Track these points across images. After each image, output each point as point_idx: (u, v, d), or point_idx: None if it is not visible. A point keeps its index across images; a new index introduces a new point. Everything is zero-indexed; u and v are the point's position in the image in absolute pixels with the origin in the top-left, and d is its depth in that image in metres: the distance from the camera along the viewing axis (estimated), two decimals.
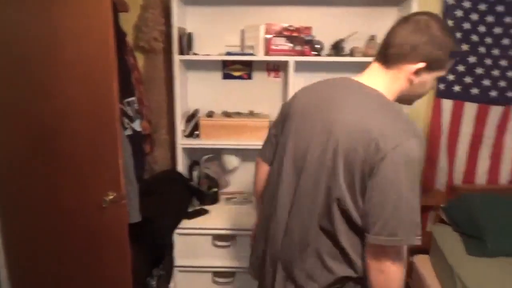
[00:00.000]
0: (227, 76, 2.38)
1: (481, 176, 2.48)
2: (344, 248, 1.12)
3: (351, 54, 2.18)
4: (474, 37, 2.29)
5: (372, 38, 2.20)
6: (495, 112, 2.38)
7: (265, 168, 1.40)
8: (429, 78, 1.15)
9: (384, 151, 1.01)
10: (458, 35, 2.29)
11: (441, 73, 1.15)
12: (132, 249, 1.69)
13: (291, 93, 2.16)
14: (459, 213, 2.29)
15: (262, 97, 2.39)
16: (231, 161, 2.32)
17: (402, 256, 1.08)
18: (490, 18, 2.29)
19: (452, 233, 2.31)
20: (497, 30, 2.29)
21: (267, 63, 2.34)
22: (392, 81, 1.15)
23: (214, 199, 2.30)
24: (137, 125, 1.97)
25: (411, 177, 1.03)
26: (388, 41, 1.15)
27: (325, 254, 1.14)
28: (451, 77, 2.34)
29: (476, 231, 2.12)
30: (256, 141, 2.20)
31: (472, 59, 2.31)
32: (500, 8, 2.28)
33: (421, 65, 1.10)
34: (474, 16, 2.29)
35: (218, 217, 2.14)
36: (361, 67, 2.28)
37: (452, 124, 2.40)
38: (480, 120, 2.39)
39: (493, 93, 2.35)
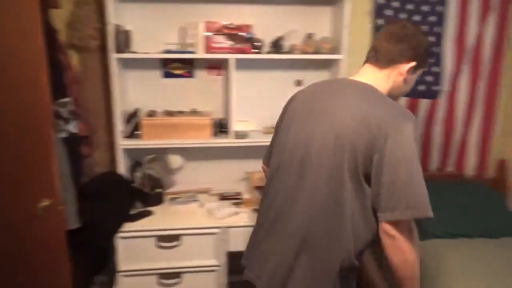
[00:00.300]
0: (168, 75, 2.34)
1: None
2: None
3: (290, 51, 2.24)
4: None
5: (309, 36, 2.28)
6: (423, 105, 2.56)
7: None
8: (414, 75, 1.31)
9: (386, 132, 1.11)
10: None
11: (424, 69, 1.33)
12: (71, 256, 1.61)
13: (233, 90, 2.18)
14: None
15: (205, 95, 2.38)
16: (175, 160, 2.29)
17: (414, 233, 1.17)
18: (417, 17, 2.45)
19: None
20: (423, 28, 2.47)
21: (208, 61, 2.34)
22: (385, 80, 1.28)
23: (158, 200, 2.26)
24: (72, 127, 1.88)
25: (414, 153, 1.12)
26: (376, 48, 1.30)
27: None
28: None
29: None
30: (199, 140, 2.19)
31: None
32: (425, 8, 2.46)
33: (413, 64, 1.26)
34: (403, 15, 2.45)
35: (162, 218, 2.11)
36: (300, 65, 2.39)
37: None
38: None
39: (422, 87, 2.53)
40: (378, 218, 1.15)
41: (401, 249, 1.14)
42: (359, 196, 1.18)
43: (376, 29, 2.41)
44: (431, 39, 2.47)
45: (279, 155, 1.34)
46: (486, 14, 2.48)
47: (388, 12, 2.42)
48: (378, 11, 2.41)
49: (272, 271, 1.29)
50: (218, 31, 2.16)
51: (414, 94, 2.53)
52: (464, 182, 2.67)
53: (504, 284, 1.83)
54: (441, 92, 2.55)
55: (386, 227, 1.14)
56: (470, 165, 2.72)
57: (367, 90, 1.25)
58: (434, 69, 2.51)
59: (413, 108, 2.55)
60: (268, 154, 1.55)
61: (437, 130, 2.63)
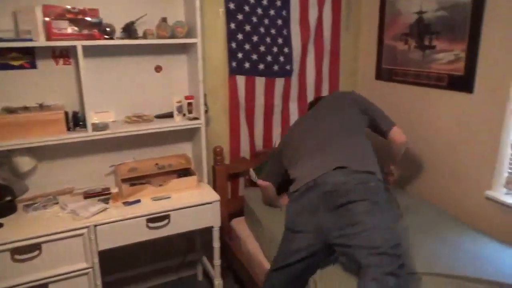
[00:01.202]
0: (3, 67, 2.05)
1: (276, 139, 2.88)
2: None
3: (144, 36, 2.17)
4: (254, 19, 2.59)
5: (163, 20, 2.24)
6: (279, 83, 2.77)
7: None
8: None
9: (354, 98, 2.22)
10: (248, 27, 2.56)
11: None
12: None
13: (84, 80, 2.02)
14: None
15: (53, 87, 2.16)
16: (24, 162, 2.04)
17: None
18: (264, 1, 2.60)
19: (258, 192, 2.64)
20: (271, 12, 2.64)
21: (53, 49, 2.11)
22: None
23: (9, 209, 1.99)
24: None
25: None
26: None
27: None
28: (240, 55, 2.59)
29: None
30: (51, 137, 1.99)
31: (255, 38, 2.61)
32: (272, 12, 2.64)
33: None
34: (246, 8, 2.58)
35: (16, 229, 1.87)
36: (157, 49, 2.34)
37: (247, 97, 2.69)
38: (269, 92, 2.75)
39: (275, 67, 2.73)
40: (386, 129, 2.14)
41: (403, 134, 2.14)
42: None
43: (228, 12, 2.50)
44: (279, 22, 2.66)
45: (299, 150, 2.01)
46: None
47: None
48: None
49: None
50: (60, 16, 1.97)
51: (270, 74, 2.71)
52: None
53: None
54: (293, 70, 2.79)
55: (395, 128, 2.14)
56: None
57: None
58: (285, 50, 2.73)
59: (271, 87, 2.74)
60: (271, 174, 2.25)
61: (293, 106, 2.89)
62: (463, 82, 2.26)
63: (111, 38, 2.10)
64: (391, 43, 2.73)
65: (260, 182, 2.27)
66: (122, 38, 2.15)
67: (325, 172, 1.75)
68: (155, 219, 2.08)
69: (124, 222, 2.01)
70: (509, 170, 2.14)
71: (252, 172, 2.68)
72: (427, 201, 2.45)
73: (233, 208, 2.76)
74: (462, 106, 2.31)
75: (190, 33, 2.26)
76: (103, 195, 2.22)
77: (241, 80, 2.64)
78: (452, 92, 2.35)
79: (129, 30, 2.15)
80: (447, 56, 2.34)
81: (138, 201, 2.16)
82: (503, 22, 2.03)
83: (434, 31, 2.40)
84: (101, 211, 2.03)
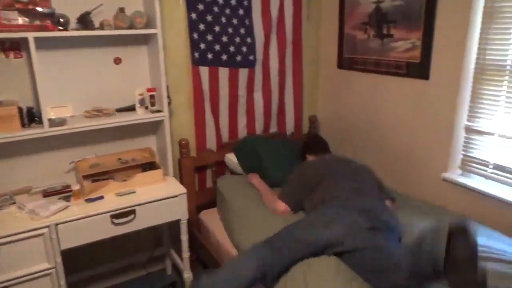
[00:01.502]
0: None
1: (242, 130, 2.89)
2: None
3: (101, 27, 2.10)
4: (216, 9, 2.56)
5: (121, 10, 2.16)
6: (242, 74, 2.76)
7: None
8: None
9: None
10: (210, 17, 2.52)
11: None
12: None
13: (38, 74, 1.93)
14: (247, 154, 2.62)
15: (4, 81, 2.05)
16: None
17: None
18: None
19: (231, 180, 2.65)
20: (232, 2, 2.62)
21: (2, 41, 2.00)
22: None
23: None
24: None
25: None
26: None
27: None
28: (203, 46, 2.56)
29: (259, 165, 2.50)
30: (3, 134, 1.89)
31: (217, 28, 2.59)
32: (233, 2, 2.62)
33: None
34: None
35: None
36: (116, 41, 2.27)
37: (211, 88, 2.67)
38: (233, 82, 2.74)
39: (239, 58, 2.71)
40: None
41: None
42: None
43: (188, 2, 2.45)
44: (240, 12, 2.65)
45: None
46: None
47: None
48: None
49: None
50: (8, 6, 1.86)
51: (233, 64, 2.70)
52: (286, 138, 3.04)
53: None
54: (256, 61, 2.79)
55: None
56: (289, 124, 3.10)
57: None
58: (248, 40, 2.72)
59: (234, 77, 2.73)
60: (297, 201, 2.19)
61: (258, 97, 2.90)
62: (419, 70, 2.35)
63: (66, 30, 2.02)
64: (351, 32, 2.79)
65: (282, 207, 2.20)
66: (77, 30, 2.06)
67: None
68: (119, 215, 2.03)
69: (87, 220, 1.96)
70: (463, 152, 2.25)
71: (229, 159, 2.69)
72: (387, 185, 2.54)
73: (201, 201, 2.75)
74: (419, 93, 2.39)
75: (149, 24, 2.20)
76: (63, 192, 2.15)
77: (204, 71, 2.61)
78: (410, 79, 2.44)
79: (84, 21, 2.07)
80: (404, 45, 2.41)
81: (101, 197, 2.11)
82: (455, 11, 2.12)
83: (391, 20, 2.47)
84: (62, 209, 1.97)
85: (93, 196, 2.10)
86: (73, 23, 2.07)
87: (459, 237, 1.32)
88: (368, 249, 1.64)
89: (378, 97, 2.68)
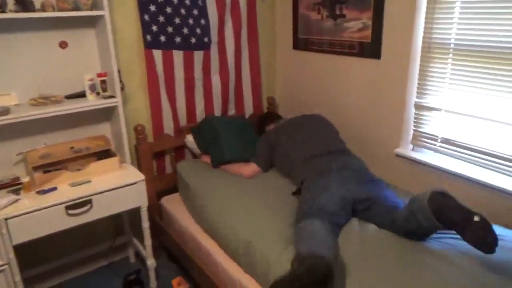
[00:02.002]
0: None
1: (200, 114, 2.85)
2: None
3: (42, 9, 1.97)
4: None
5: None
6: (198, 56, 2.71)
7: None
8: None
9: None
10: None
11: None
12: None
13: None
14: (205, 132, 2.60)
15: None
16: None
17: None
18: None
19: (191, 164, 2.63)
20: None
21: None
22: None
23: None
24: None
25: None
26: None
27: None
28: (155, 28, 2.48)
29: (218, 144, 2.50)
30: None
31: (169, 10, 2.51)
32: None
33: None
34: None
35: None
36: (57, 23, 2.14)
37: (166, 72, 2.60)
38: (188, 65, 2.69)
39: (193, 40, 2.65)
40: None
41: None
42: None
43: None
44: None
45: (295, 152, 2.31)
46: None
47: None
48: None
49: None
50: None
51: (187, 47, 2.64)
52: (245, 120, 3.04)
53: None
54: (211, 43, 2.74)
55: None
56: (248, 106, 3.10)
57: None
58: (201, 21, 2.66)
59: (189, 60, 2.67)
60: (265, 159, 2.47)
61: (215, 79, 2.86)
62: (371, 49, 2.41)
63: (3, 12, 1.88)
64: (305, 12, 2.80)
65: (252, 167, 2.44)
66: (15, 11, 1.93)
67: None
68: (75, 206, 1.96)
69: (40, 212, 1.88)
70: (414, 128, 2.36)
71: (188, 141, 2.67)
72: None
73: (161, 187, 2.71)
74: (371, 72, 2.46)
75: (96, 5, 2.10)
76: (12, 185, 2.04)
77: (157, 54, 2.53)
78: (362, 59, 2.50)
79: (23, 2, 1.93)
80: (356, 25, 2.46)
81: (54, 188, 2.02)
82: None
83: (343, 0, 2.50)
84: (12, 203, 1.87)
85: (45, 187, 2.02)
86: (11, 5, 1.93)
87: (442, 200, 1.49)
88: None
89: (333, 77, 2.73)
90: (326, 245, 1.55)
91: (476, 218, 1.40)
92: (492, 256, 1.49)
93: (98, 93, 2.22)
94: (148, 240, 2.32)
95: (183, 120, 2.79)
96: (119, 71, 2.22)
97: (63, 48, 2.19)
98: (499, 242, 1.44)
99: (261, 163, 2.46)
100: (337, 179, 1.99)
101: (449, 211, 1.46)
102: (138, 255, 2.71)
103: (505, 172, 1.96)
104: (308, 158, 2.23)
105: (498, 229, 1.73)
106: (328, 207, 1.83)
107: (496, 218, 1.99)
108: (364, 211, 1.92)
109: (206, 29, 2.69)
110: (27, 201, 1.90)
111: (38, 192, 1.98)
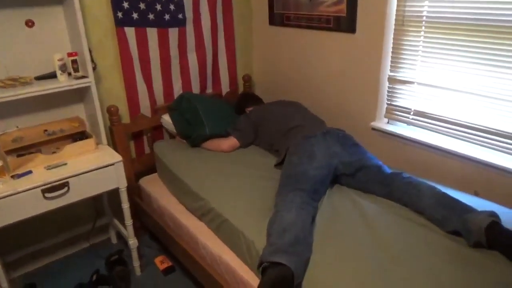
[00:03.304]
0: None
1: (178, 93, 2.81)
2: None
3: None
4: None
5: None
6: (173, 34, 2.66)
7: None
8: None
9: None
10: None
11: None
12: None
13: None
14: (183, 110, 2.57)
15: None
16: None
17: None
18: None
19: (168, 144, 2.63)
20: None
21: None
22: None
23: None
24: None
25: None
26: None
27: None
28: (126, 4, 2.40)
29: (197, 120, 2.49)
30: None
31: None
32: None
33: None
34: None
35: None
36: (19, 1, 2.05)
37: (140, 50, 2.54)
38: (163, 43, 2.63)
39: (167, 17, 2.59)
40: None
41: None
42: None
43: None
44: None
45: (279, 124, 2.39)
46: None
47: None
48: None
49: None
50: None
51: (161, 24, 2.58)
52: (222, 97, 3.03)
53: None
54: (186, 19, 2.68)
55: None
56: (225, 84, 3.08)
57: None
58: None
59: (164, 38, 2.62)
60: (245, 135, 2.50)
61: (192, 57, 2.81)
62: (346, 23, 2.41)
63: None
64: None
65: (232, 141, 2.47)
66: None
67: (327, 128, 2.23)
68: (52, 189, 1.94)
69: (16, 197, 1.85)
70: (388, 102, 2.40)
71: (165, 120, 2.65)
72: None
73: (139, 168, 2.70)
74: (347, 46, 2.47)
75: None
76: None
77: (130, 32, 2.47)
78: (338, 34, 2.49)
79: None
80: None
81: (30, 172, 1.99)
82: None
83: None
84: None
85: (20, 171, 1.98)
86: None
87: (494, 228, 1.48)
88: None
89: (309, 52, 2.73)
90: (294, 245, 1.52)
91: None
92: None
93: (69, 74, 2.16)
94: (128, 221, 2.32)
95: (160, 100, 2.75)
96: (90, 50, 2.16)
97: (30, 27, 2.11)
98: None
99: (241, 138, 2.48)
100: (322, 142, 2.06)
101: (500, 236, 1.47)
102: (120, 236, 2.71)
103: (475, 141, 2.03)
104: (293, 128, 2.29)
105: (466, 197, 1.81)
106: (311, 173, 1.88)
107: (466, 185, 2.08)
108: (349, 175, 1.99)
109: (180, 5, 2.62)
110: (2, 186, 1.87)
111: (12, 177, 1.94)
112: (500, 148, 1.94)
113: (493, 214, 1.53)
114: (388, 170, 1.95)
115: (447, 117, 2.12)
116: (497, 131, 1.94)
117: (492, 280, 1.36)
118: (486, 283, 1.35)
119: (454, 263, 1.45)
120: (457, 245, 1.54)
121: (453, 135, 2.11)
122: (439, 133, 2.18)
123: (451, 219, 1.60)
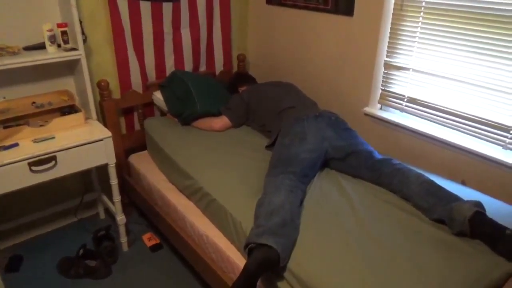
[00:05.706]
0: None
1: (170, 69, 2.77)
2: None
3: None
4: None
5: None
6: (166, 9, 2.59)
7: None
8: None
9: None
10: None
11: None
12: None
13: None
14: (175, 87, 2.54)
15: None
16: None
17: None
18: None
19: (159, 121, 2.60)
20: None
21: None
22: None
23: None
24: None
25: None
26: None
27: None
28: None
29: (189, 98, 2.47)
30: None
31: None
32: None
33: None
34: None
35: None
36: None
37: (133, 24, 2.48)
38: (157, 18, 2.57)
39: None
40: None
41: None
42: None
43: None
44: None
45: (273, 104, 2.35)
46: None
47: None
48: None
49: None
50: None
51: None
52: (216, 76, 2.99)
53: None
54: None
55: None
56: (218, 63, 3.03)
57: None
58: None
59: (158, 12, 2.55)
60: (237, 114, 2.48)
61: (185, 34, 2.76)
62: (344, 6, 2.36)
63: None
64: None
65: (224, 120, 2.46)
66: None
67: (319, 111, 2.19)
68: (38, 162, 1.92)
69: (3, 169, 1.82)
70: (382, 88, 2.38)
71: (156, 98, 2.62)
72: None
73: (129, 144, 2.67)
74: (344, 29, 2.43)
75: None
76: None
77: (123, 5, 2.40)
78: (336, 16, 2.45)
79: None
80: None
81: (16, 144, 1.96)
82: None
83: None
84: None
85: (6, 143, 1.95)
86: None
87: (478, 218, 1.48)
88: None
89: (306, 34, 2.69)
90: (282, 227, 1.52)
91: (508, 232, 1.44)
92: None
93: (59, 45, 2.10)
94: (116, 197, 2.31)
95: (151, 76, 2.70)
96: (80, 22, 2.10)
97: None
98: None
99: (233, 118, 2.46)
100: (314, 125, 2.04)
101: (483, 226, 1.48)
102: (108, 211, 2.71)
103: (466, 131, 2.03)
104: (285, 109, 2.27)
105: (453, 186, 1.83)
106: (302, 156, 1.88)
107: (454, 174, 2.09)
108: (340, 160, 1.99)
109: None
110: None
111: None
112: (490, 139, 1.95)
113: (478, 204, 1.54)
114: (378, 156, 1.96)
115: (440, 106, 2.11)
116: (487, 121, 1.94)
117: (473, 268, 1.39)
118: (468, 270, 1.38)
119: (437, 249, 1.47)
120: (441, 232, 1.56)
121: (445, 124, 2.11)
122: (430, 121, 2.18)
123: (436, 207, 1.62)
